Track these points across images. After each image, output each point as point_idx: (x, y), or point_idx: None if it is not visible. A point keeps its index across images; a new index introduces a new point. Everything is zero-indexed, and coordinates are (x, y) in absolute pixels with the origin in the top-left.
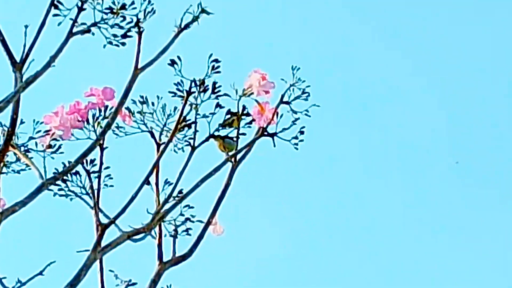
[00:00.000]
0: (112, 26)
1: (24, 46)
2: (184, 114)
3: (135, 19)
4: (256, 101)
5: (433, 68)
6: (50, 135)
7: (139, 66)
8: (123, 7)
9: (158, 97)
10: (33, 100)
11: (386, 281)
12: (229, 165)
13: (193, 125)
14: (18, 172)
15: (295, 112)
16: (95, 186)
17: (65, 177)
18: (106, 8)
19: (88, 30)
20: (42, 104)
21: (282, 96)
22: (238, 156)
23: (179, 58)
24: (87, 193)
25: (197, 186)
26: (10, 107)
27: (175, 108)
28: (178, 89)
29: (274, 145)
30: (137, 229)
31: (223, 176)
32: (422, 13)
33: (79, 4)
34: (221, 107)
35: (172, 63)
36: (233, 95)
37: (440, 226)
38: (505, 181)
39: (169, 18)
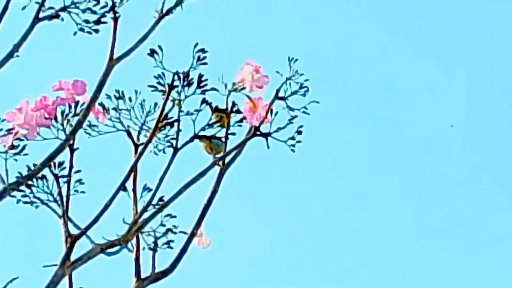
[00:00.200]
0: (83, 11)
1: None
2: (166, 111)
3: (110, 3)
4: (248, 96)
5: (444, 63)
6: (13, 134)
7: (115, 56)
8: None
9: (136, 91)
10: None
11: (383, 284)
12: (216, 169)
13: (175, 124)
14: None
15: (292, 110)
16: (64, 192)
17: (30, 182)
18: None
19: (56, 15)
20: (3, 99)
21: (277, 91)
22: (227, 159)
23: (160, 47)
24: (55, 200)
25: (180, 192)
26: None
27: (156, 104)
28: (159, 83)
29: (268, 147)
30: (112, 241)
31: (209, 182)
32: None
33: None
34: (207, 103)
35: (152, 53)
36: (222, 90)
37: (446, 229)
38: None
39: (149, 2)
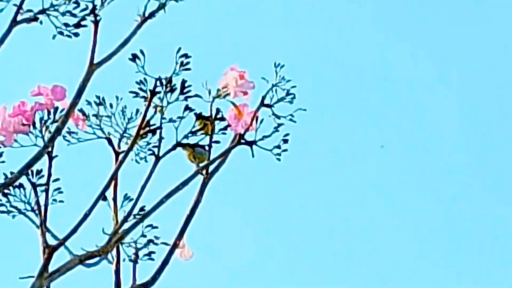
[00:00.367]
0: (63, 14)
1: None
2: (148, 118)
3: (90, 6)
4: (233, 103)
5: (438, 62)
6: None
7: (95, 61)
8: None
9: (117, 97)
10: None
11: None
12: (200, 178)
13: (158, 131)
14: None
15: (278, 117)
16: (42, 201)
17: (6, 191)
18: None
19: (35, 18)
20: None
21: (263, 98)
22: (211, 168)
23: (142, 52)
24: (32, 210)
25: (162, 202)
26: None
27: (137, 111)
28: (140, 89)
29: (253, 155)
30: (91, 252)
31: (192, 191)
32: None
33: None
34: (191, 110)
35: (134, 58)
36: (206, 96)
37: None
38: None
39: (131, 5)
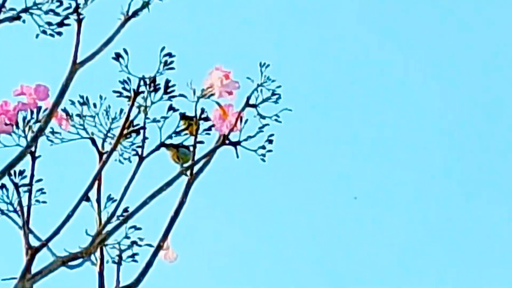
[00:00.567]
0: (46, 12)
1: None
2: (131, 117)
3: (73, 5)
4: (217, 103)
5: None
6: None
7: (78, 60)
8: None
9: (101, 97)
10: None
11: None
12: (184, 179)
13: (141, 131)
14: None
15: (263, 117)
16: (25, 202)
17: None
18: None
19: (18, 17)
20: None
21: (248, 98)
22: (195, 169)
23: (125, 51)
24: (15, 211)
25: (145, 203)
26: None
27: (121, 111)
28: (124, 88)
29: (237, 156)
30: (74, 254)
31: (177, 192)
32: None
33: None
34: (175, 110)
35: (117, 57)
36: (190, 96)
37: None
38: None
39: (115, 4)
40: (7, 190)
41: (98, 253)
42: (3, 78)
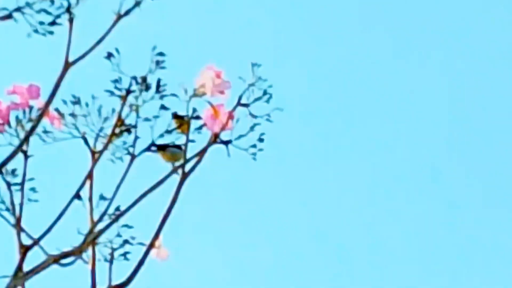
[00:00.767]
0: (38, 12)
1: None
2: (123, 117)
3: (65, 4)
4: (209, 102)
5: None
6: None
7: (70, 59)
8: None
9: (93, 96)
10: None
11: None
12: (176, 178)
13: (133, 130)
14: None
15: (255, 117)
16: (17, 200)
17: None
18: None
19: (10, 16)
20: None
21: (240, 98)
22: (187, 167)
23: (117, 50)
24: (7, 209)
25: (137, 202)
26: None
27: (113, 110)
28: (116, 87)
29: (229, 155)
30: (66, 252)
31: (169, 191)
32: None
33: None
34: (166, 109)
35: (109, 56)
36: (182, 96)
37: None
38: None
39: (107, 3)
40: None
41: (90, 252)
42: None
